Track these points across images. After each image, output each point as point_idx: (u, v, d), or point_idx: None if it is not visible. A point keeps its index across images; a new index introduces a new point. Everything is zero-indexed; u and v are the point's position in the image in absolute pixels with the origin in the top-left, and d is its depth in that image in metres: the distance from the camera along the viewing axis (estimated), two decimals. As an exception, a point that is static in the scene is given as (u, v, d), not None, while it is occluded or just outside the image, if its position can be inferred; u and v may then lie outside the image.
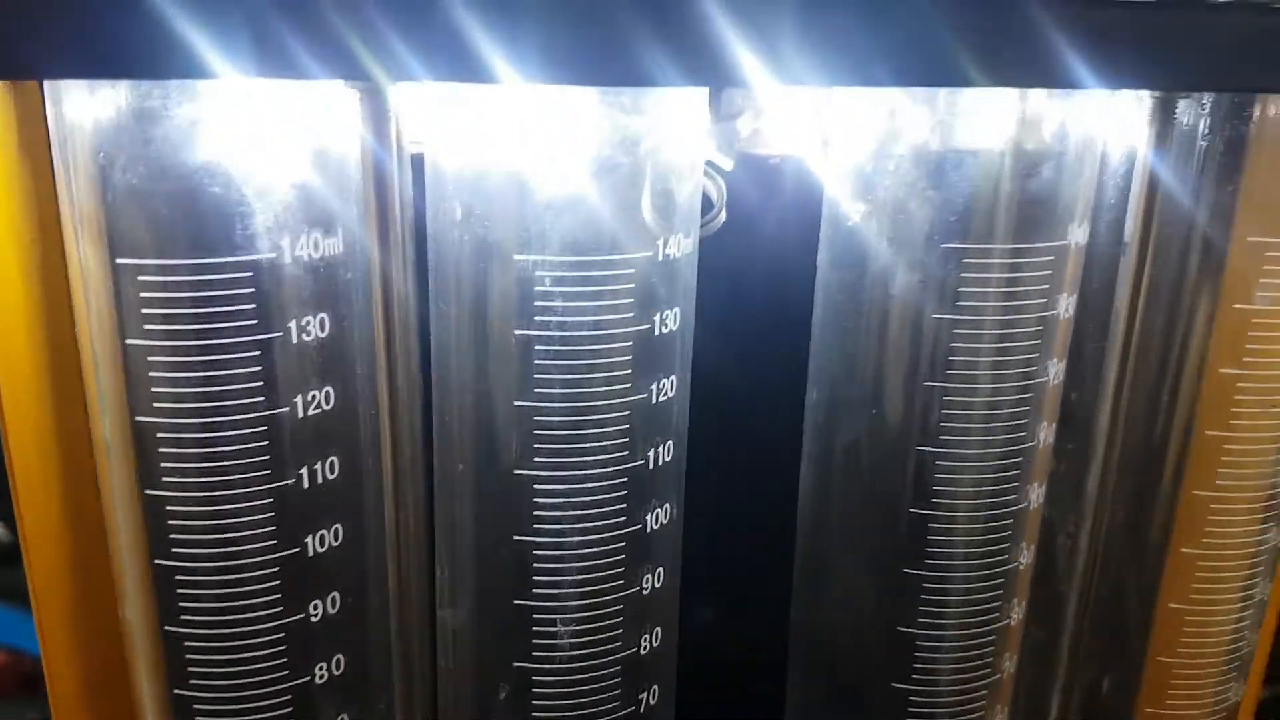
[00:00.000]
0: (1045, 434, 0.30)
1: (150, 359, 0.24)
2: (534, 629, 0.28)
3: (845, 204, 0.29)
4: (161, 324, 0.23)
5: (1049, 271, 0.28)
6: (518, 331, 0.26)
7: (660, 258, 0.26)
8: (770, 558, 0.34)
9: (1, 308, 0.25)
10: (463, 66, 0.22)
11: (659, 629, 0.30)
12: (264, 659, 0.26)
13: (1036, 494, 0.31)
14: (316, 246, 0.24)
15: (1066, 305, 0.29)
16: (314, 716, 0.28)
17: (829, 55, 0.24)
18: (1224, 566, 0.32)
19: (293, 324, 0.24)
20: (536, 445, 0.27)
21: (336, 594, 0.27)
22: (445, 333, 0.27)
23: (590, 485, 0.27)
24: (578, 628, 0.28)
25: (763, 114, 0.33)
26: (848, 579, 0.32)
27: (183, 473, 0.25)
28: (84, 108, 0.22)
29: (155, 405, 0.24)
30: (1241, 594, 0.33)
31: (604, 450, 0.27)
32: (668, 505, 0.29)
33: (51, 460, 0.28)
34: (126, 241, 0.23)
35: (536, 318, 0.26)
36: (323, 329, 0.25)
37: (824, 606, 0.33)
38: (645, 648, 0.29)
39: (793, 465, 0.33)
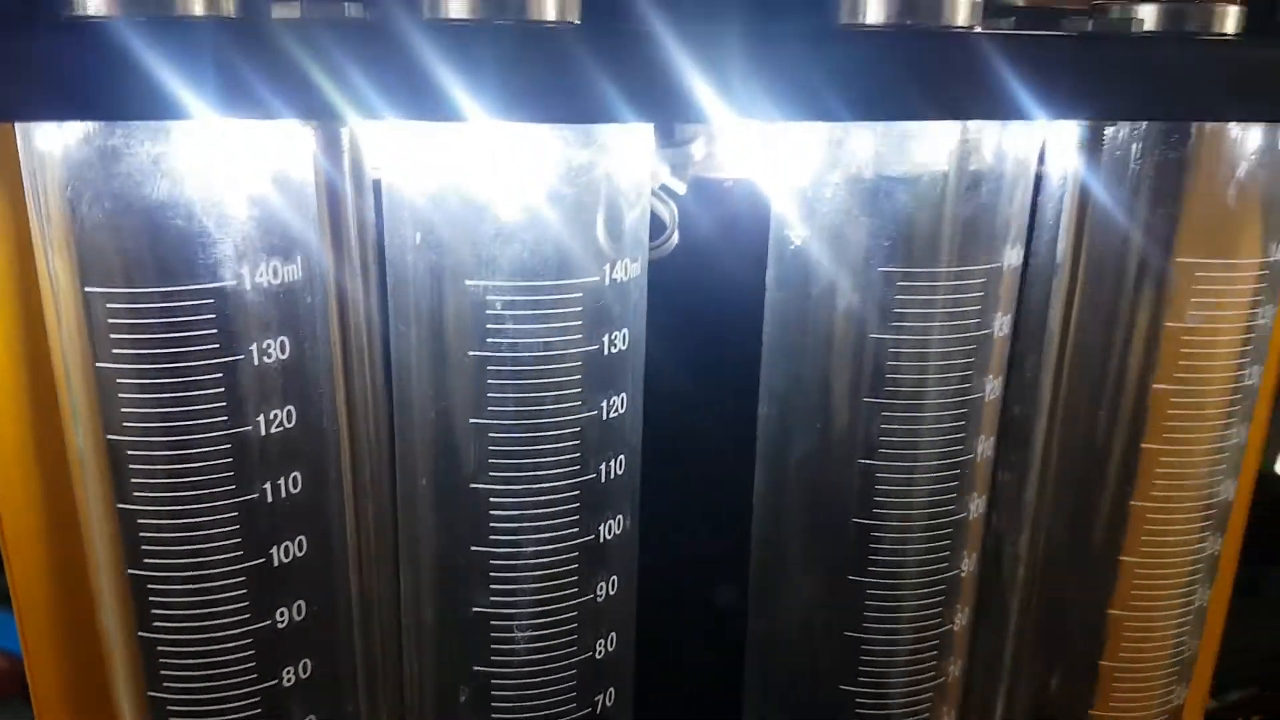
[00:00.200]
0: (984, 447, 0.31)
1: (119, 380, 0.25)
2: (492, 634, 0.29)
3: (789, 227, 0.30)
4: (129, 348, 0.25)
5: (982, 293, 0.29)
6: (471, 352, 0.27)
7: (608, 281, 0.27)
8: (729, 565, 0.35)
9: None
10: (421, 106, 0.24)
11: (614, 634, 0.31)
12: (233, 663, 0.28)
13: (976, 504, 0.32)
14: (276, 273, 0.25)
15: (1001, 324, 0.30)
16: (283, 718, 0.29)
17: (773, 92, 0.25)
18: (1163, 575, 0.33)
19: (254, 347, 0.26)
20: (492, 460, 0.28)
21: (302, 602, 0.28)
22: (404, 353, 0.28)
23: (544, 498, 0.28)
24: (534, 633, 0.30)
25: (716, 140, 0.34)
26: (798, 585, 0.33)
27: (152, 487, 0.26)
28: (53, 144, 0.24)
29: (125, 424, 0.25)
30: (1181, 601, 0.34)
31: (557, 465, 0.28)
32: (621, 516, 0.30)
33: (33, 474, 0.29)
34: (95, 270, 0.24)
35: (489, 339, 0.27)
36: (283, 351, 0.26)
37: (777, 611, 0.34)
38: (601, 652, 0.31)
39: (749, 476, 0.34)
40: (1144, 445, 0.32)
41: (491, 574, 0.29)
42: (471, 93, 0.24)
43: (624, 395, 0.29)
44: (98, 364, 0.25)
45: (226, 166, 0.24)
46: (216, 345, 0.25)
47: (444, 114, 0.24)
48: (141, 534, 0.26)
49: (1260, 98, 0.29)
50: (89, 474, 0.27)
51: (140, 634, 0.27)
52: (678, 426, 0.33)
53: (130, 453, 0.26)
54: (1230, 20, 0.29)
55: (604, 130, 0.26)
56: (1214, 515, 0.33)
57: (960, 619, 0.33)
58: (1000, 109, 0.27)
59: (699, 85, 0.25)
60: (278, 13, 0.25)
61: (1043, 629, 0.35)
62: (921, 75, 0.26)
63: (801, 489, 0.32)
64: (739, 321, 0.33)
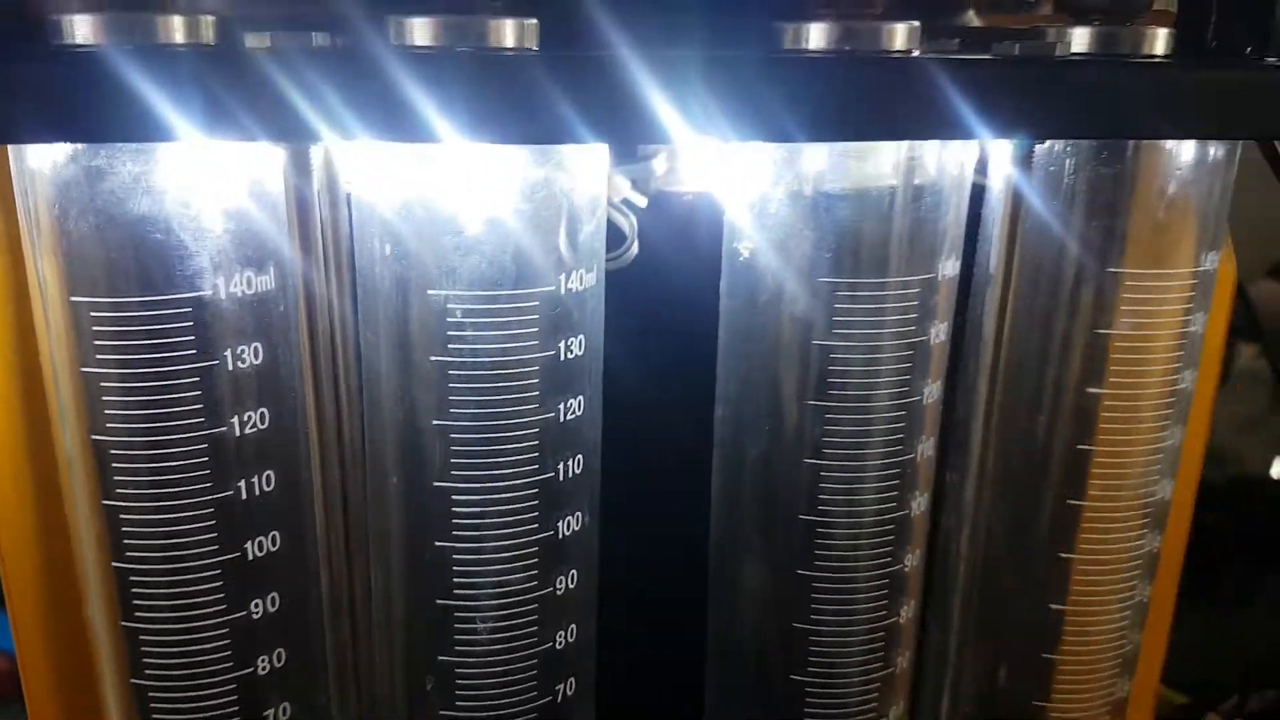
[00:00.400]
0: (924, 448, 0.33)
1: (103, 384, 0.27)
2: (456, 626, 0.31)
3: (739, 239, 0.32)
4: (112, 353, 0.26)
5: (919, 302, 0.31)
6: (434, 358, 0.29)
7: (564, 291, 0.29)
8: (689, 559, 0.37)
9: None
10: (389, 127, 0.25)
11: (574, 626, 0.32)
12: (210, 652, 0.29)
13: (919, 502, 0.33)
14: (250, 284, 0.27)
15: (938, 332, 0.31)
16: (258, 705, 0.30)
17: (727, 114, 0.26)
18: (1101, 571, 0.35)
19: (229, 352, 0.27)
20: (454, 460, 0.29)
21: (275, 594, 0.30)
22: (373, 358, 0.30)
23: (504, 496, 0.30)
24: (496, 625, 0.31)
25: (678, 155, 0.35)
26: (751, 578, 0.34)
27: (134, 485, 0.28)
28: (43, 162, 0.25)
29: (108, 425, 0.27)
30: (1121, 596, 0.35)
31: (516, 464, 0.30)
32: (580, 513, 0.32)
33: (25, 476, 0.31)
34: (80, 281, 0.26)
35: (450, 345, 0.28)
36: (257, 356, 0.28)
37: (733, 603, 0.35)
38: (561, 643, 0.32)
39: (708, 475, 0.36)
40: (1080, 447, 0.33)
41: (455, 568, 0.30)
42: (437, 115, 0.25)
43: (581, 398, 0.31)
44: (83, 369, 0.27)
45: (204, 184, 0.26)
46: (194, 351, 0.27)
47: (411, 135, 0.25)
48: (124, 529, 0.28)
49: (1188, 117, 0.30)
50: (76, 472, 0.28)
51: (123, 624, 0.29)
52: (639, 428, 0.34)
53: (113, 452, 0.27)
54: (1160, 43, 0.31)
55: (560, 149, 0.28)
56: (1152, 514, 0.35)
57: (906, 612, 0.34)
58: (939, 130, 0.28)
59: (647, 108, 0.26)
60: (250, 43, 0.27)
61: (988, 623, 0.36)
62: (862, 98, 0.28)
63: (754, 487, 0.34)
64: (697, 327, 0.34)
